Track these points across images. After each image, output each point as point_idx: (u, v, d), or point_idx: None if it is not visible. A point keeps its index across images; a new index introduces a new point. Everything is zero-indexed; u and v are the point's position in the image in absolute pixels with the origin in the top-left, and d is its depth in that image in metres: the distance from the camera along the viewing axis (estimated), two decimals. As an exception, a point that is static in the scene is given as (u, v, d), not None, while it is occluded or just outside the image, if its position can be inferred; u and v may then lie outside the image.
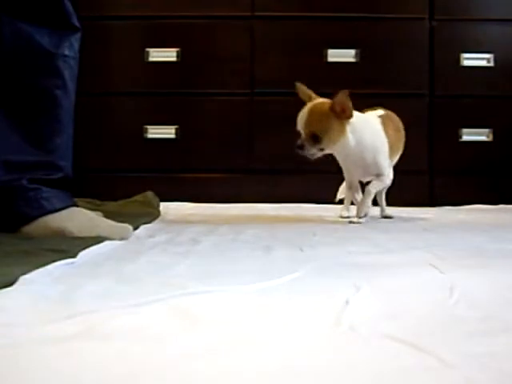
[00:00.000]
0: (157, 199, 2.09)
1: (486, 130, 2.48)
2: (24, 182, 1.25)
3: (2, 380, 0.47)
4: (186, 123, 2.49)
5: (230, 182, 2.47)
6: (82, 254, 1.03)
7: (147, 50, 2.48)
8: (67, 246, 1.07)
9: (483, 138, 2.49)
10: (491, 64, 2.48)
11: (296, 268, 0.95)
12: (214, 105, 2.51)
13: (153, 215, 1.80)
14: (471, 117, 2.50)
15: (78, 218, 1.27)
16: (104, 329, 0.61)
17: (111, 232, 1.27)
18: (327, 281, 0.87)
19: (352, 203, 1.84)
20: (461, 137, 2.49)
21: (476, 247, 1.24)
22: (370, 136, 1.70)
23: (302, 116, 1.66)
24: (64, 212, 1.27)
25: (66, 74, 1.31)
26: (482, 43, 2.50)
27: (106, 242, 1.19)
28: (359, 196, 1.78)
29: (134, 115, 2.51)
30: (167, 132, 2.49)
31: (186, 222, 1.78)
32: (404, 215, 1.89)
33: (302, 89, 1.72)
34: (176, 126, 2.49)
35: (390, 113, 1.80)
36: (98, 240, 1.18)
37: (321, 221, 1.75)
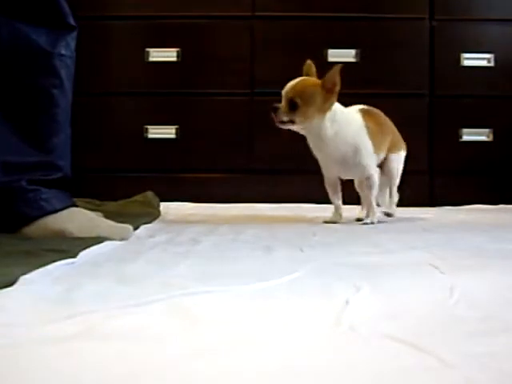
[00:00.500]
0: (157, 199, 2.09)
1: (486, 130, 2.48)
2: (23, 182, 1.25)
3: (2, 380, 0.47)
4: (186, 123, 2.49)
5: (230, 182, 2.47)
6: (82, 254, 1.04)
7: (147, 49, 2.48)
8: (67, 246, 1.07)
9: (483, 138, 2.49)
10: (491, 64, 2.48)
11: (296, 268, 0.95)
12: (214, 105, 2.51)
13: (153, 215, 1.80)
14: (471, 117, 2.50)
15: (77, 219, 1.27)
16: (104, 329, 0.61)
17: (111, 232, 1.27)
18: (327, 281, 0.87)
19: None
20: (461, 137, 2.49)
21: (476, 247, 1.24)
22: (352, 133, 1.65)
23: (290, 83, 1.63)
24: (64, 212, 1.27)
25: (63, 73, 1.31)
26: (482, 43, 2.50)
27: (107, 242, 1.19)
28: (339, 200, 1.73)
29: (134, 115, 2.51)
30: (167, 132, 2.49)
31: (186, 222, 1.78)
32: (404, 215, 1.89)
33: (309, 67, 1.68)
34: (176, 126, 2.49)
35: (371, 108, 1.75)
36: (98, 240, 1.18)
37: (321, 221, 1.75)
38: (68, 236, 1.22)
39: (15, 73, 1.28)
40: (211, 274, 0.93)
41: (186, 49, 2.49)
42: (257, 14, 2.48)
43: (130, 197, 2.10)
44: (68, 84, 1.33)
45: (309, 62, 1.69)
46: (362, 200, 1.76)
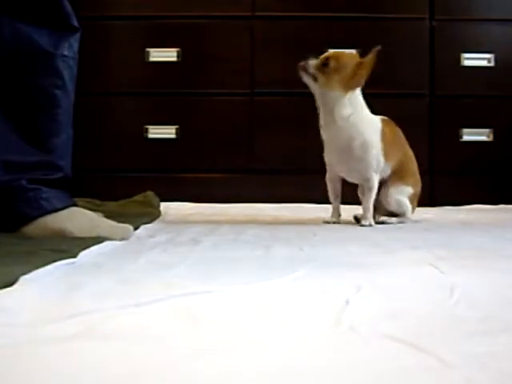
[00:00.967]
0: (157, 199, 2.09)
1: (487, 130, 2.48)
2: (23, 182, 1.25)
3: (3, 380, 0.47)
4: (187, 123, 2.49)
5: (230, 182, 2.47)
6: (83, 254, 1.03)
7: (147, 49, 2.48)
8: (67, 246, 1.07)
9: (484, 138, 2.49)
10: (492, 64, 2.48)
11: (296, 268, 0.95)
12: (214, 105, 2.51)
13: (153, 215, 1.80)
14: (472, 117, 2.50)
15: (78, 219, 1.27)
16: (104, 329, 0.61)
17: (112, 232, 1.27)
18: (327, 281, 0.87)
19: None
20: (461, 137, 2.49)
21: (476, 247, 1.24)
22: (365, 126, 1.64)
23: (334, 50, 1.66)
24: (64, 212, 1.27)
25: (66, 74, 1.32)
26: (482, 43, 2.50)
27: (107, 242, 1.19)
28: (338, 200, 1.72)
29: (135, 115, 2.52)
30: (167, 132, 2.49)
31: (186, 222, 1.78)
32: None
33: None
34: (176, 126, 2.49)
35: (392, 122, 1.75)
36: (98, 240, 1.18)
37: (321, 221, 1.75)
38: (68, 236, 1.22)
39: (17, 73, 1.29)
40: (211, 274, 0.93)
41: (186, 49, 2.49)
42: (257, 13, 2.49)
43: (130, 197, 2.10)
44: (70, 85, 1.33)
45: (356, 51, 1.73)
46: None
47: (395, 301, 0.75)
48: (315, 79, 1.63)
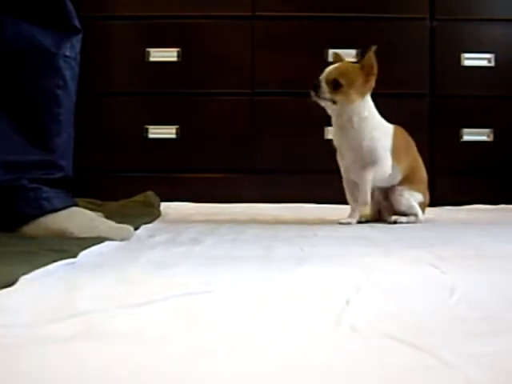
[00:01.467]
0: (157, 199, 2.09)
1: (487, 130, 2.48)
2: (24, 181, 1.25)
3: (3, 380, 0.47)
4: (187, 123, 2.49)
5: (230, 182, 2.47)
6: (83, 254, 1.04)
7: (148, 49, 2.48)
8: (68, 246, 1.07)
9: (484, 138, 2.49)
10: (492, 64, 2.48)
11: (296, 268, 0.95)
12: (214, 105, 2.51)
13: (153, 215, 1.80)
14: (472, 117, 2.50)
15: (78, 219, 1.27)
16: (104, 329, 0.61)
17: (112, 233, 1.27)
18: (327, 281, 0.87)
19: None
20: (461, 137, 2.49)
21: (476, 247, 1.24)
22: (378, 124, 1.68)
23: (330, 67, 1.66)
24: (64, 212, 1.27)
25: (67, 74, 1.32)
26: (482, 43, 2.50)
27: (107, 242, 1.19)
28: (355, 201, 1.70)
29: (135, 115, 2.51)
30: (168, 132, 2.49)
31: (186, 222, 1.78)
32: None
33: (339, 57, 1.73)
34: (176, 126, 2.49)
35: (402, 128, 1.77)
36: (98, 240, 1.18)
37: (321, 221, 1.75)
38: (68, 236, 1.22)
39: (19, 72, 1.29)
40: (211, 273, 0.93)
41: (187, 49, 2.49)
42: (257, 13, 2.49)
43: (130, 197, 2.10)
44: (72, 85, 1.34)
45: (336, 53, 1.75)
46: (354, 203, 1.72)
47: (395, 301, 0.75)
48: (333, 102, 1.65)
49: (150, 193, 2.12)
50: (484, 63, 2.48)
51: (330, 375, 0.49)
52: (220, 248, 1.22)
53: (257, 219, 1.86)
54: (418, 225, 1.70)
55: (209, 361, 0.52)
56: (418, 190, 1.75)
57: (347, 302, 0.71)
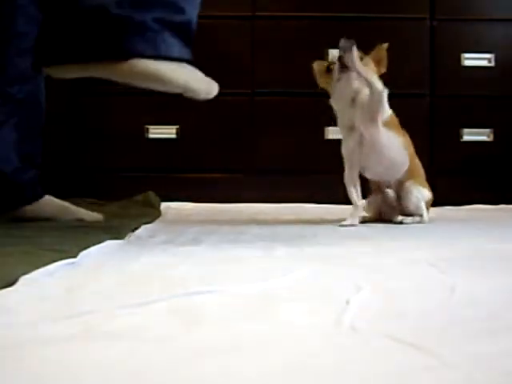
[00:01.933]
0: (158, 199, 2.09)
1: (487, 130, 2.48)
2: (148, 18, 1.14)
3: (3, 380, 0.47)
4: (187, 123, 2.49)
5: (230, 182, 2.47)
6: (83, 254, 1.04)
7: (148, 50, 2.48)
8: (68, 246, 1.07)
9: (484, 138, 2.49)
10: (492, 64, 2.48)
11: (296, 268, 0.95)
12: (214, 105, 2.50)
13: (153, 215, 1.80)
14: (472, 117, 2.50)
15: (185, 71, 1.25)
16: (104, 329, 0.61)
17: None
18: (328, 281, 0.87)
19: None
20: (461, 137, 2.49)
21: (476, 247, 1.24)
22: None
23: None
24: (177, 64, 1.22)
25: None
26: (482, 43, 2.49)
27: (107, 242, 1.19)
28: (358, 196, 1.69)
29: (135, 115, 2.51)
30: (168, 132, 2.49)
31: (186, 222, 1.78)
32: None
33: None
34: (177, 126, 2.49)
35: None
36: (98, 240, 1.18)
37: (322, 221, 1.75)
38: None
39: None
40: (212, 274, 0.93)
41: (187, 49, 2.48)
42: (257, 13, 2.48)
43: (130, 197, 2.10)
44: None
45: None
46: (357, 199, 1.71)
47: (395, 301, 0.75)
48: (358, 73, 1.65)
49: (150, 193, 2.12)
50: (484, 63, 2.48)
51: (330, 375, 0.49)
52: (220, 248, 1.22)
53: (257, 219, 1.86)
54: (418, 225, 1.70)
55: (209, 361, 0.52)
56: (425, 186, 1.75)
57: (347, 302, 0.71)
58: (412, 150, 1.76)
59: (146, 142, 2.49)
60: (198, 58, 2.60)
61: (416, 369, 0.50)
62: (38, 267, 0.87)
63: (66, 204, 1.51)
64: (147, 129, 2.49)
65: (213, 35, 2.50)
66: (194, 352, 0.54)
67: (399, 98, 2.44)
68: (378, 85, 1.66)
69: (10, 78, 1.43)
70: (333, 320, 0.64)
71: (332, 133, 2.29)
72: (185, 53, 1.22)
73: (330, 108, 1.73)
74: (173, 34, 1.18)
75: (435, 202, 2.38)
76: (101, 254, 1.09)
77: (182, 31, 1.21)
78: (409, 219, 1.71)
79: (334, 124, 1.76)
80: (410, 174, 1.73)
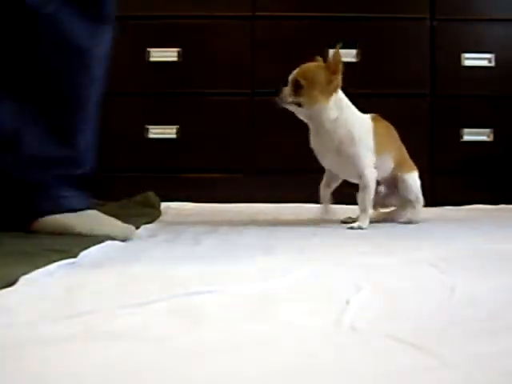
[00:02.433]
0: (158, 199, 2.09)
1: (487, 130, 2.48)
2: (47, 178, 1.25)
3: (3, 380, 0.47)
4: (187, 123, 2.49)
5: (230, 182, 2.47)
6: (83, 254, 1.04)
7: (148, 49, 2.48)
8: (68, 246, 1.07)
9: (484, 138, 2.48)
10: (492, 64, 2.48)
11: (296, 268, 0.95)
12: (214, 105, 2.50)
13: (153, 215, 1.80)
14: (472, 117, 2.49)
15: (86, 218, 1.27)
16: (104, 329, 0.61)
17: (115, 232, 1.27)
18: (328, 281, 0.87)
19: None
20: (462, 137, 2.48)
21: (476, 247, 1.24)
22: (354, 122, 1.62)
23: (297, 68, 1.63)
24: (79, 214, 1.27)
25: (96, 69, 1.31)
26: (482, 43, 2.49)
27: (107, 242, 1.19)
28: (328, 198, 1.70)
29: (135, 115, 2.51)
30: (168, 132, 2.49)
31: (186, 222, 1.78)
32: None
33: (316, 59, 1.69)
34: (177, 126, 2.49)
35: (383, 119, 1.73)
36: (98, 240, 1.18)
37: (321, 221, 1.75)
38: (73, 233, 1.23)
39: (50, 68, 1.27)
40: (212, 274, 0.93)
41: (187, 49, 2.48)
42: (257, 13, 2.48)
43: (130, 197, 2.10)
44: (100, 81, 1.33)
45: (316, 56, 1.70)
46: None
47: (395, 301, 0.75)
48: (298, 104, 1.62)
49: (150, 193, 2.12)
50: (484, 63, 2.48)
51: (330, 375, 0.49)
52: (220, 248, 1.22)
53: (257, 219, 1.86)
54: (418, 225, 1.70)
55: (209, 361, 0.52)
56: (413, 168, 1.74)
57: (347, 302, 0.71)
58: (398, 144, 1.74)
59: (146, 142, 2.49)
60: (198, 58, 2.60)
61: (416, 369, 0.50)
62: (38, 267, 0.87)
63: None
64: (147, 129, 2.49)
65: (213, 35, 2.50)
66: (194, 352, 0.54)
67: (399, 98, 2.46)
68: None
69: None
70: (333, 320, 0.64)
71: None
72: (84, 203, 1.31)
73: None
74: (73, 188, 1.29)
75: (435, 202, 2.39)
76: (101, 254, 1.09)
77: (81, 183, 1.32)
78: (408, 215, 1.70)
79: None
80: (400, 165, 1.72)
